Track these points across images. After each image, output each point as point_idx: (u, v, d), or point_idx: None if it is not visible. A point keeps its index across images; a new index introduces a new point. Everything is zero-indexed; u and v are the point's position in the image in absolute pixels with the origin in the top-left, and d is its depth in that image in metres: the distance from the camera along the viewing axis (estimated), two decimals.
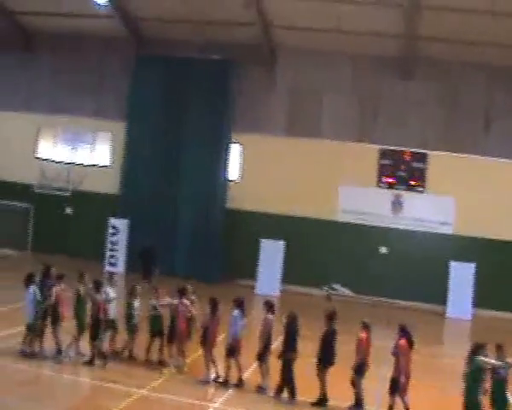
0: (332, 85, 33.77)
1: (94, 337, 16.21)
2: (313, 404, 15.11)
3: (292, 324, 15.64)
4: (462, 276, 31.33)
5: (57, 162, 36.55)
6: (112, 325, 17.10)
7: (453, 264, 31.72)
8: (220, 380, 16.00)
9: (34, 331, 16.30)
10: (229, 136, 34.50)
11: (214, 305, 16.30)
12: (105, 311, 16.44)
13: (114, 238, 34.14)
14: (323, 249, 33.32)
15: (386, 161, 33.76)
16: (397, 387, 14.57)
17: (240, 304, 16.22)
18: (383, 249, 33.60)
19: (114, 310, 17.21)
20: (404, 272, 32.63)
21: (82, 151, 36.58)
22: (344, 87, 33.69)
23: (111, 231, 34.16)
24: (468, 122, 32.78)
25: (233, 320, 16.07)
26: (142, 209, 34.41)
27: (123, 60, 35.30)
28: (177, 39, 34.12)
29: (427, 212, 33.25)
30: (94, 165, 36.35)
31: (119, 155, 35.73)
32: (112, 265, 33.53)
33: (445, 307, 31.53)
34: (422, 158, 33.33)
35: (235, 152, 34.85)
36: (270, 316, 15.99)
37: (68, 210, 36.18)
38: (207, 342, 16.14)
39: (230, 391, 15.46)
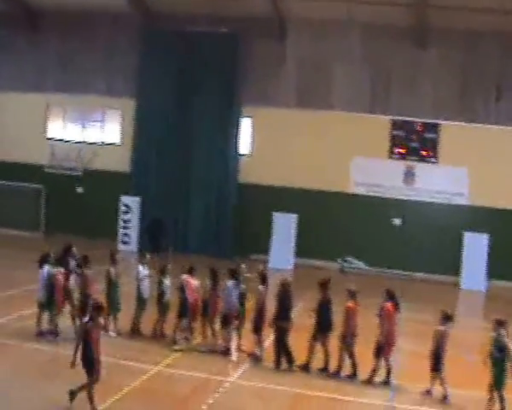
0: (343, 56, 33.39)
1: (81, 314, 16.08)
2: (320, 370, 15.38)
3: (284, 293, 15.68)
4: (475, 247, 31.23)
5: (67, 142, 36.57)
6: (143, 303, 17.32)
7: (467, 235, 31.65)
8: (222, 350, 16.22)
9: (50, 311, 16.43)
10: (240, 110, 34.33)
11: (214, 277, 16.55)
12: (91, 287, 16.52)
13: (126, 217, 34.30)
14: (337, 222, 33.23)
15: (398, 132, 33.60)
16: (382, 350, 14.88)
17: (234, 274, 16.38)
18: (396, 221, 33.54)
19: (147, 288, 17.35)
20: (418, 243, 32.56)
21: (92, 130, 36.53)
22: (355, 58, 33.28)
23: (123, 209, 34.24)
24: (481, 91, 32.43)
25: (227, 291, 16.21)
26: (154, 187, 34.52)
27: (131, 36, 34.98)
28: (185, 13, 33.68)
29: (440, 182, 33.09)
30: (104, 143, 36.33)
31: (130, 133, 35.68)
32: (125, 243, 33.66)
33: (459, 279, 31.62)
34: (434, 128, 33.15)
35: (246, 126, 34.81)
36: (261, 288, 16.06)
37: (80, 189, 36.15)
38: (208, 314, 16.47)
39: (246, 365, 15.55)
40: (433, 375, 14.36)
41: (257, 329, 15.92)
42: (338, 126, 33.26)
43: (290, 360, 15.50)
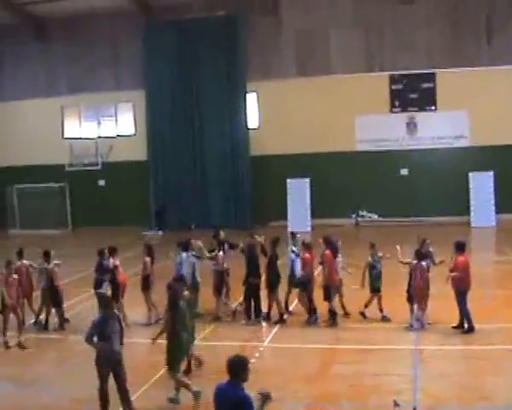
0: (336, 21, 32.90)
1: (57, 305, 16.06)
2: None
3: (251, 251, 15.85)
4: (482, 185, 30.97)
5: (84, 139, 36.48)
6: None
7: (472, 175, 31.36)
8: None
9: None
10: (245, 86, 34.03)
11: (150, 251, 16.40)
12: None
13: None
14: (347, 180, 32.93)
15: (396, 86, 33.27)
16: (329, 293, 15.04)
17: (231, 246, 16.68)
18: (404, 171, 33.27)
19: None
20: (427, 189, 32.25)
21: (106, 124, 36.47)
22: (348, 20, 32.80)
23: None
24: (472, 35, 31.88)
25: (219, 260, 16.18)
26: (171, 172, 34.55)
27: (134, 30, 34.66)
28: (183, 2, 33.49)
29: (442, 129, 32.74)
30: (119, 136, 36.25)
31: (143, 122, 35.61)
32: (151, 229, 33.63)
33: (470, 218, 31.28)
34: (430, 77, 32.73)
35: (252, 101, 34.49)
36: (221, 254, 16.19)
37: (101, 182, 36.29)
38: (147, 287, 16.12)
39: (276, 328, 15.48)
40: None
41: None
42: (338, 89, 32.88)
43: (258, 314, 15.78)
